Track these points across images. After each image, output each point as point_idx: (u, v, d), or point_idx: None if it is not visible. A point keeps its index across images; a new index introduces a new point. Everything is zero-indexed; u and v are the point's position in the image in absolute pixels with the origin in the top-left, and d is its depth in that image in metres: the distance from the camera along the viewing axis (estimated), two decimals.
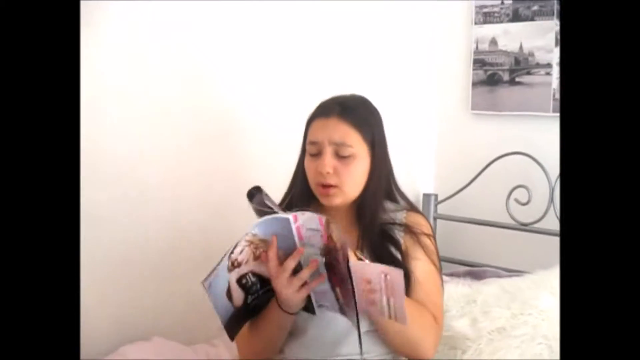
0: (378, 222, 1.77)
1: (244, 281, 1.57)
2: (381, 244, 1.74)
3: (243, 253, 1.52)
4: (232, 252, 1.50)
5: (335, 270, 1.50)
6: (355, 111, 1.75)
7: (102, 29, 2.04)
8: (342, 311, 1.57)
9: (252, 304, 1.61)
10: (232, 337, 1.61)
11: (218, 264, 1.50)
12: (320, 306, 1.60)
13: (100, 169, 2.07)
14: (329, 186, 1.71)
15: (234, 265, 1.52)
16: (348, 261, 1.47)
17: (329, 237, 1.48)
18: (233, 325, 1.60)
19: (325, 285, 1.55)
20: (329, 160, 1.70)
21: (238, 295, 1.57)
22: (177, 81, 2.23)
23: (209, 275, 1.49)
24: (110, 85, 2.08)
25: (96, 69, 2.04)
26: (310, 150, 1.75)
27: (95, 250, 2.08)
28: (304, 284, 1.54)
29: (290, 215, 1.48)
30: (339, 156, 1.71)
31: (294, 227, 1.48)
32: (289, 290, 1.54)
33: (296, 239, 1.50)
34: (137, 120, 2.15)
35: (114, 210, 2.12)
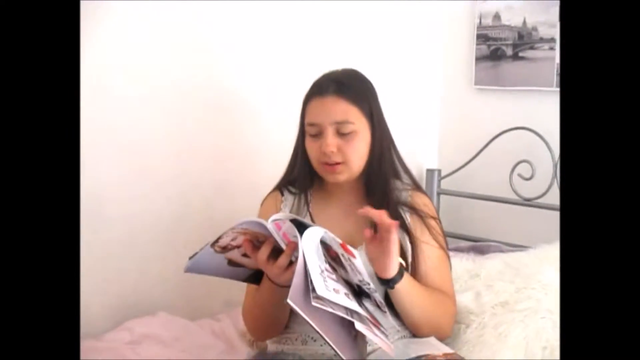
0: (391, 199, 1.77)
1: None
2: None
3: (237, 240, 1.51)
4: (216, 242, 1.50)
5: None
6: (351, 87, 1.73)
7: (106, 10, 2.04)
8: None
9: None
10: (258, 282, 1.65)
11: (195, 254, 1.52)
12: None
13: (105, 147, 2.08)
14: (335, 164, 1.71)
15: (228, 248, 1.53)
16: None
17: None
18: (260, 276, 1.63)
19: None
20: (331, 140, 1.70)
21: (251, 261, 1.56)
22: (181, 59, 2.23)
23: (190, 259, 1.54)
24: (114, 64, 2.08)
25: (100, 48, 2.04)
26: (310, 131, 1.74)
27: (99, 226, 2.09)
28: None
29: (272, 224, 1.47)
30: (341, 134, 1.71)
31: (279, 234, 1.47)
32: (280, 280, 1.53)
33: (283, 244, 1.49)
34: (141, 97, 2.16)
35: (118, 187, 2.13)
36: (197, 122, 2.29)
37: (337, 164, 1.71)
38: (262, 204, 1.88)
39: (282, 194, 1.85)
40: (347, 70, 1.80)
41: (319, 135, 1.72)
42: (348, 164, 1.72)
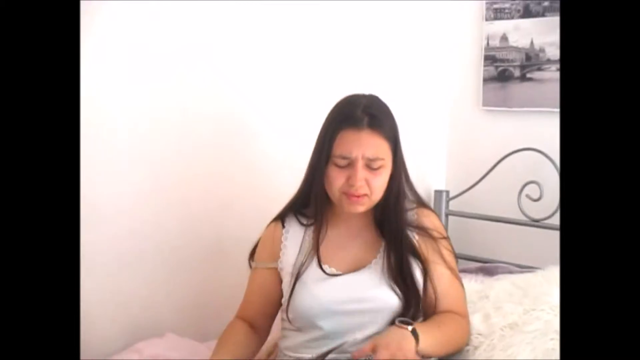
0: (404, 231, 1.78)
1: None
2: (406, 259, 1.76)
3: None
4: None
5: None
6: (383, 121, 1.72)
7: (105, 32, 2.06)
8: None
9: None
10: None
11: None
12: None
13: (110, 164, 2.08)
14: (360, 195, 1.71)
15: None
16: None
17: None
18: None
19: None
20: (362, 174, 1.69)
21: None
22: (191, 75, 2.24)
23: None
24: (118, 77, 2.10)
25: (102, 51, 2.05)
26: (340, 163, 1.70)
27: (106, 247, 2.09)
28: None
29: None
30: (369, 168, 1.70)
31: None
32: None
33: None
34: (147, 112, 2.17)
35: (125, 206, 2.13)
36: (203, 138, 2.29)
37: (363, 195, 1.71)
38: (262, 234, 1.89)
39: (284, 225, 1.85)
40: (374, 99, 1.77)
41: (347, 166, 1.70)
42: (371, 196, 1.72)
